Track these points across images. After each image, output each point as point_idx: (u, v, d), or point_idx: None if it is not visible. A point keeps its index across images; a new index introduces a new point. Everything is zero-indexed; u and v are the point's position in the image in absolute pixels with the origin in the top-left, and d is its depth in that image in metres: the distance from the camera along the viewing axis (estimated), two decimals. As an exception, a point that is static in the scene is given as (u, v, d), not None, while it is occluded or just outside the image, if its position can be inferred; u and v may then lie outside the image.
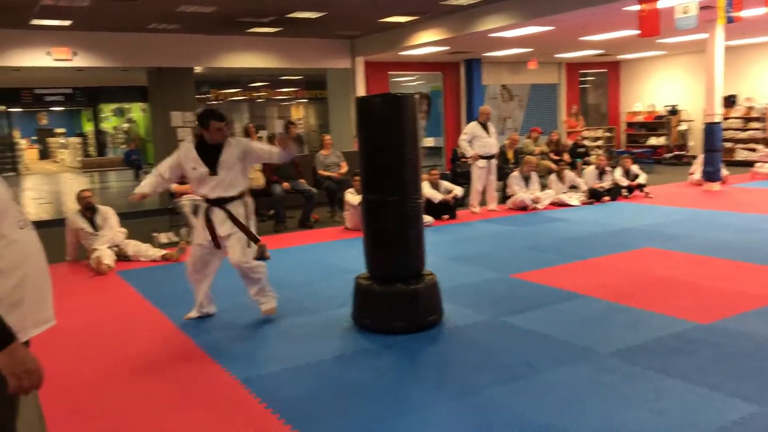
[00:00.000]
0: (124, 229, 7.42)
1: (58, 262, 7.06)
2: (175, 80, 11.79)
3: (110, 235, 7.08)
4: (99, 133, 25.49)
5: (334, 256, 7.03)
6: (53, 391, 3.53)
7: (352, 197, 8.22)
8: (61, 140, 28.36)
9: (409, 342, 4.18)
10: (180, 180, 5.46)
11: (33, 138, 32.18)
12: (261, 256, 6.96)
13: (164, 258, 7.11)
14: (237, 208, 4.63)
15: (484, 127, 9.59)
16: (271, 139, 9.90)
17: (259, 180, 9.39)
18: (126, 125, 24.40)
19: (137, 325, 4.90)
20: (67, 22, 9.87)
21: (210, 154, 4.57)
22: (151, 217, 10.01)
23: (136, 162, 19.23)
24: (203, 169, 4.54)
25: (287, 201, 9.25)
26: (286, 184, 9.15)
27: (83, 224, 7.09)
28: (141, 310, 5.29)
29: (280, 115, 17.88)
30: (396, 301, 4.38)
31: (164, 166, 4.74)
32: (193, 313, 4.89)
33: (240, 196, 4.66)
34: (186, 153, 4.64)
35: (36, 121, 31.79)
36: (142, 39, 11.15)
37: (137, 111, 23.71)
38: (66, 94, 19.66)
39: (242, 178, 4.71)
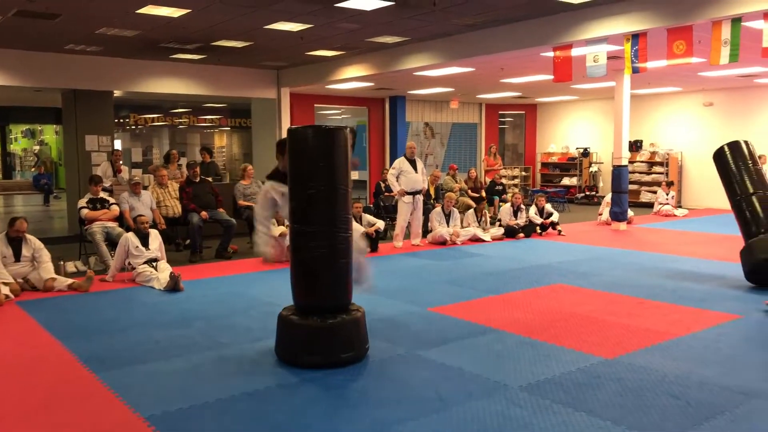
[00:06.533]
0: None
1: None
2: (92, 103, 11.39)
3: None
4: (6, 155, 24.22)
5: (252, 288, 6.91)
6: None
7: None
8: (-36, 160, 26.73)
9: (325, 376, 4.14)
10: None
11: (-69, 157, 30.18)
12: (174, 286, 6.79)
13: (71, 288, 6.76)
14: None
15: (412, 162, 9.76)
16: (190, 167, 9.69)
17: (175, 208, 9.14)
18: (37, 147, 23.31)
19: (36, 359, 4.62)
20: (-25, 38, 9.40)
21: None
22: (59, 245, 9.53)
23: (46, 186, 18.36)
24: None
25: (205, 230, 9.04)
26: (204, 213, 8.95)
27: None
28: (41, 343, 4.99)
29: (202, 143, 17.59)
30: (311, 334, 4.32)
31: (259, 211, 5.33)
32: None
33: None
34: (273, 187, 5.18)
35: (-64, 138, 29.88)
36: (59, 59, 10.75)
37: (50, 133, 22.72)
38: (-29, 112, 18.65)
39: None
